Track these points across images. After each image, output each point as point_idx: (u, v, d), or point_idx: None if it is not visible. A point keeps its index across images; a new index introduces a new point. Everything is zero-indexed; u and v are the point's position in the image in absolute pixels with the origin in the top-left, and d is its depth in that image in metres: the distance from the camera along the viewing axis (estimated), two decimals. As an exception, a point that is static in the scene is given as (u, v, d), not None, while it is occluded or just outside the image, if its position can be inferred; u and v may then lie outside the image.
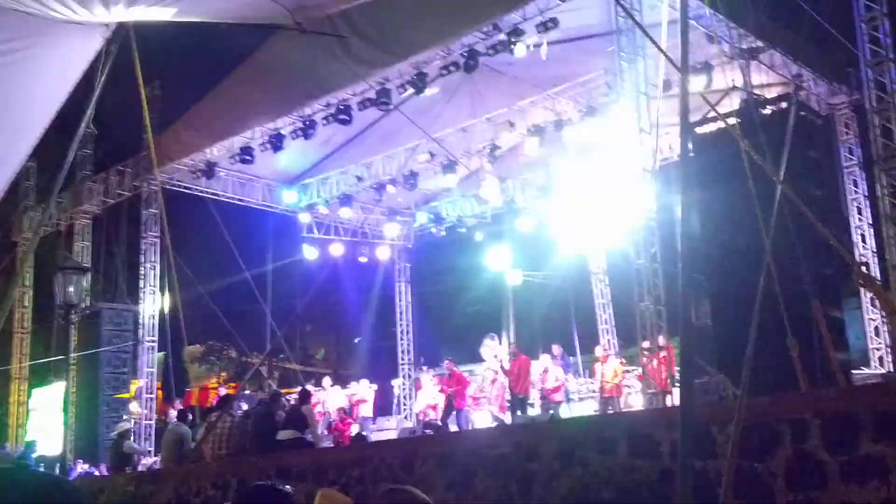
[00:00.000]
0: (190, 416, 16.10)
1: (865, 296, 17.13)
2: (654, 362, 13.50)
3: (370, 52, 15.58)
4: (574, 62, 16.73)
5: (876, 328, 17.24)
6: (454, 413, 17.46)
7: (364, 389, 20.35)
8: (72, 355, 18.54)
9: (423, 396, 18.67)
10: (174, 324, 18.75)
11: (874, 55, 13.75)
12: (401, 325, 25.11)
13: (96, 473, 17.60)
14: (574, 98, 17.71)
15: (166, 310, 19.96)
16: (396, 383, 24.32)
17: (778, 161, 6.25)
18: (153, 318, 20.45)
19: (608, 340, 21.59)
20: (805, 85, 17.13)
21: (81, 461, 19.17)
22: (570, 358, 20.61)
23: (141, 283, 20.60)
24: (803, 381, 7.62)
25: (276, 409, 13.75)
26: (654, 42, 5.78)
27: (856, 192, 17.99)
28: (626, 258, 14.62)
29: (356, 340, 35.27)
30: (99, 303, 21.60)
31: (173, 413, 17.07)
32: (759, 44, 14.45)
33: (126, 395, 20.89)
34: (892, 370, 15.44)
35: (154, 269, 20.56)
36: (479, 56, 15.30)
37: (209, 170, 19.67)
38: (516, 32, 14.68)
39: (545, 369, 17.43)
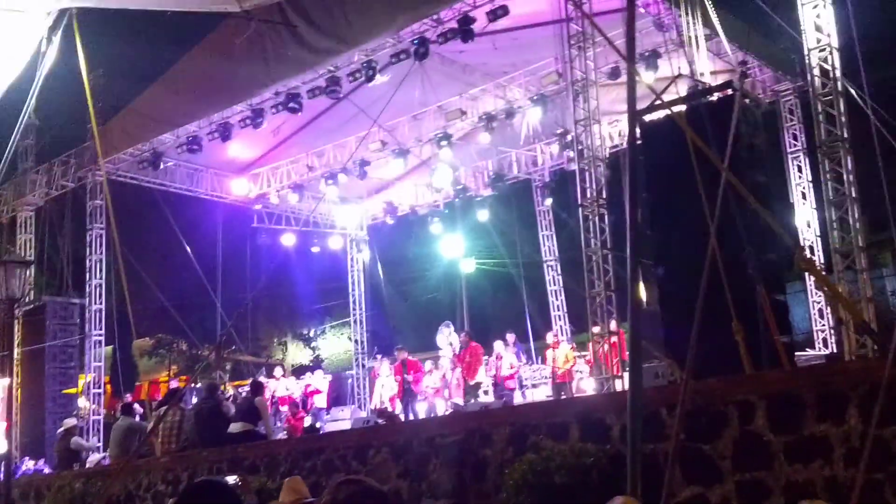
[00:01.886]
0: (141, 409, 15.88)
1: (809, 279, 17.53)
2: (606, 347, 13.67)
3: (320, 39, 15.46)
4: (524, 50, 16.78)
5: (820, 310, 17.65)
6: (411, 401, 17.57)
7: (318, 380, 20.25)
8: (16, 350, 18.16)
9: (380, 386, 18.61)
10: (122, 317, 18.44)
11: (817, 42, 14.00)
12: (355, 314, 25.00)
13: (44, 471, 17.28)
14: (525, 86, 17.77)
15: (113, 303, 19.64)
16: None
17: (723, 148, 6.35)
18: (100, 311, 20.09)
19: (560, 327, 21.78)
20: (750, 72, 17.40)
21: (28, 458, 18.79)
22: (523, 344, 20.74)
23: (87, 276, 20.20)
24: (748, 363, 7.77)
25: (217, 401, 13.60)
26: (601, 32, 5.82)
27: (800, 177, 18.34)
28: (577, 245, 14.76)
29: (312, 332, 35.14)
30: (43, 296, 21.13)
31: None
32: (706, 31, 14.62)
33: (73, 391, 20.51)
34: (835, 351, 15.81)
35: (100, 261, 20.13)
36: (430, 44, 15.26)
37: (156, 160, 19.34)
38: (466, 20, 14.67)
39: (499, 356, 17.52)
